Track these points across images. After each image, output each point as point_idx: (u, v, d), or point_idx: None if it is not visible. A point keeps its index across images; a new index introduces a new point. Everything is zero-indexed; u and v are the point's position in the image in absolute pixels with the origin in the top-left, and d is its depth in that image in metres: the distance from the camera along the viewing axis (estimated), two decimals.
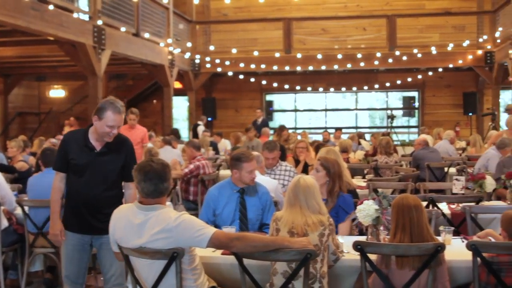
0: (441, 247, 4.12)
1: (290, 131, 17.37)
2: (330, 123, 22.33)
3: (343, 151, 10.85)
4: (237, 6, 21.13)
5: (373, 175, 10.40)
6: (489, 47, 18.39)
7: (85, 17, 12.21)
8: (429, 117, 21.47)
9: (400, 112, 22.64)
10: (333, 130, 18.36)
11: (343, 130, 18.48)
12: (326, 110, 22.87)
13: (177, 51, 17.47)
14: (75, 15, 11.61)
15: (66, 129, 14.80)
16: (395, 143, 16.88)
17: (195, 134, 17.88)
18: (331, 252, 4.44)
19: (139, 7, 14.58)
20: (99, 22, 12.27)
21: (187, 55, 18.90)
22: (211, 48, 19.65)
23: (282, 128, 14.79)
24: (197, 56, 19.41)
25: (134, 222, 4.08)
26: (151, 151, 9.64)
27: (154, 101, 22.28)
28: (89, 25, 12.05)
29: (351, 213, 5.61)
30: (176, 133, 14.99)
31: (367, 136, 18.57)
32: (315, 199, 4.51)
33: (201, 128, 18.08)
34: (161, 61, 16.21)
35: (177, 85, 19.30)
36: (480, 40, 18.75)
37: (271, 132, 17.35)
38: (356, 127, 22.13)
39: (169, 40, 16.57)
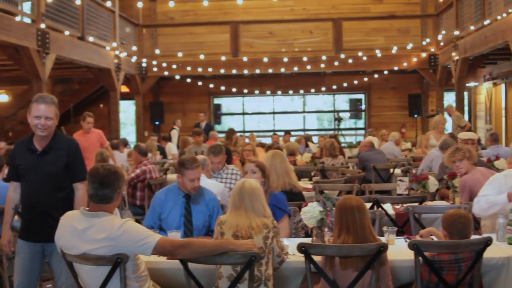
0: (383, 247, 4.18)
1: (238, 134, 17.37)
2: (278, 125, 22.42)
3: (290, 154, 10.92)
4: (184, 9, 21.03)
5: (319, 177, 10.47)
6: (432, 50, 18.73)
7: (28, 21, 12.00)
8: (375, 119, 21.71)
9: (347, 114, 22.88)
10: (281, 133, 18.43)
11: (292, 133, 18.55)
12: (274, 113, 22.93)
13: (123, 54, 17.30)
14: (17, 18, 11.40)
15: None
16: (343, 145, 17.04)
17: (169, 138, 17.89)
18: (276, 254, 4.45)
19: (84, 11, 14.39)
20: (43, 26, 12.07)
21: (134, 58, 18.75)
22: (157, 51, 19.55)
23: (232, 131, 14.76)
24: (144, 60, 19.26)
25: (78, 228, 4.04)
26: (103, 154, 9.52)
27: (101, 105, 22.01)
28: (33, 28, 11.84)
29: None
30: (125, 143, 14.78)
31: (315, 139, 18.70)
32: (260, 202, 4.52)
33: (174, 132, 18.00)
34: (107, 65, 16.03)
35: (124, 89, 19.13)
36: (424, 43, 19.07)
37: (221, 136, 17.30)
38: (304, 130, 22.23)
39: (115, 44, 16.41)
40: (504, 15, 12.27)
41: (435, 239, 4.90)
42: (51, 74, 13.09)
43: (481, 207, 5.51)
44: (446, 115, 16.33)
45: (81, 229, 4.02)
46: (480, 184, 6.03)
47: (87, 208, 4.14)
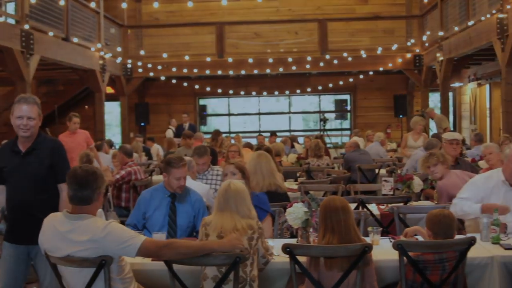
0: (368, 248, 4.18)
1: (224, 135, 17.33)
2: (264, 126, 22.38)
3: (275, 154, 10.89)
4: (169, 10, 20.99)
5: (305, 178, 10.47)
6: (417, 50, 18.79)
7: (12, 21, 11.91)
8: (361, 120, 21.74)
9: (333, 115, 22.90)
10: (267, 134, 18.41)
11: (278, 134, 18.56)
12: (259, 114, 22.93)
13: (108, 55, 17.21)
14: (1, 19, 11.33)
15: None
16: (328, 145, 17.05)
17: None
18: (261, 255, 4.45)
19: (68, 11, 14.32)
20: (27, 27, 11.99)
21: (119, 59, 18.67)
22: (143, 52, 19.48)
23: (218, 132, 14.74)
24: (129, 61, 19.19)
25: (61, 231, 4.02)
26: (88, 155, 9.46)
27: (86, 106, 21.85)
28: (17, 29, 11.75)
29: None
30: (110, 144, 14.70)
31: (301, 139, 18.69)
32: (245, 203, 4.53)
33: (169, 132, 17.91)
34: (92, 66, 15.94)
35: (109, 90, 19.03)
36: (409, 43, 19.13)
37: (206, 136, 17.26)
38: (290, 130, 22.23)
39: (99, 45, 16.33)
40: (488, 16, 12.34)
41: (420, 238, 4.92)
42: (36, 75, 13.02)
43: (456, 213, 5.55)
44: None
45: (64, 232, 4.00)
46: (457, 186, 6.08)
47: (70, 211, 4.12)
